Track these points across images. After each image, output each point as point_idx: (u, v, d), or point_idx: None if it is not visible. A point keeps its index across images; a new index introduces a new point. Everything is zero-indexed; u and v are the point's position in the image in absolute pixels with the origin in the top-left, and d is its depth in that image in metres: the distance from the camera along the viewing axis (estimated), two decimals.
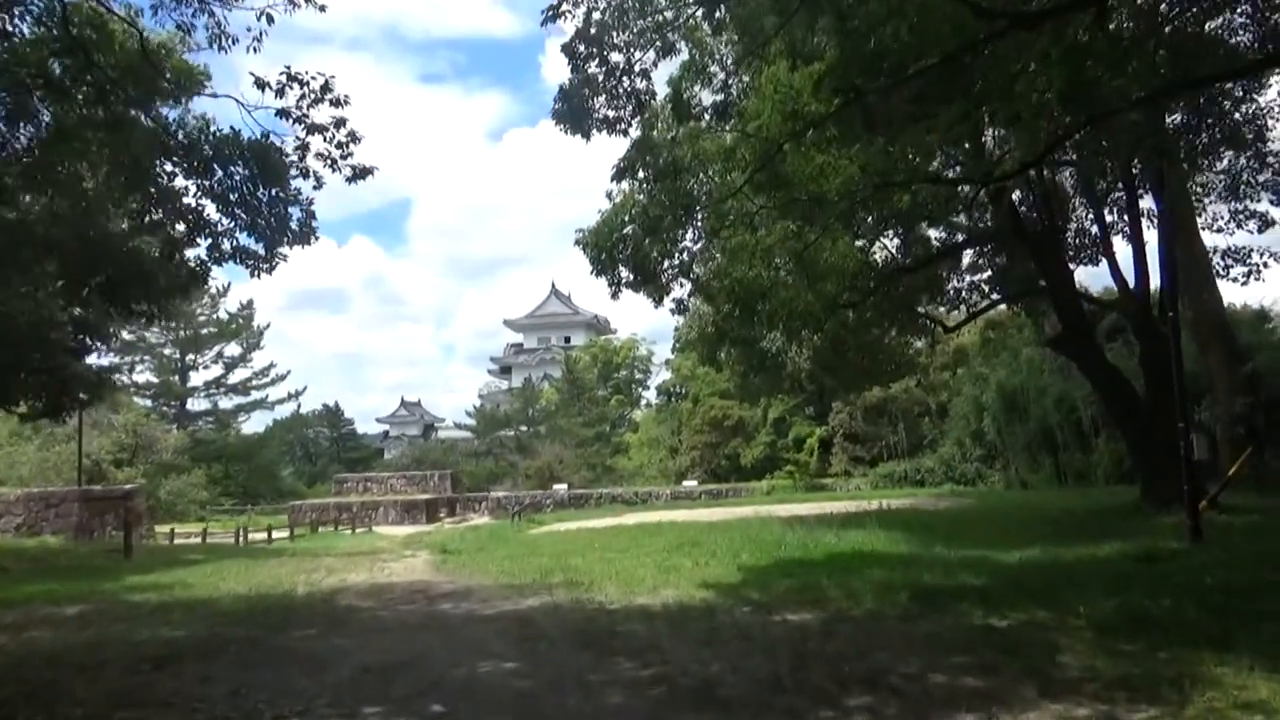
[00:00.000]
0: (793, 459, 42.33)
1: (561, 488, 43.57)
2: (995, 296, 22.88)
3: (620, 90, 10.73)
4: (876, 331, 21.06)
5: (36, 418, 19.63)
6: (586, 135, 11.00)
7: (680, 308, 16.80)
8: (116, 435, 48.24)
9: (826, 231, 14.01)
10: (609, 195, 13.54)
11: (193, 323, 61.96)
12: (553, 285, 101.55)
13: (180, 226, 10.73)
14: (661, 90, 11.63)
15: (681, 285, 14.59)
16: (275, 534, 29.35)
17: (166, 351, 62.28)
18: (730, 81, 11.97)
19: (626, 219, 13.12)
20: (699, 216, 12.94)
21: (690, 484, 43.06)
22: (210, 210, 10.75)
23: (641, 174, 12.03)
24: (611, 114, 10.78)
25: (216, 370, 64.39)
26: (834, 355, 20.02)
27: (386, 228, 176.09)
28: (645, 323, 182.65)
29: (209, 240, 10.76)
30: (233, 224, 10.72)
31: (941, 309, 24.17)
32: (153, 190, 10.34)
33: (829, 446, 45.93)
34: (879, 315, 20.03)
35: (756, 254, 13.68)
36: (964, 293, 23.10)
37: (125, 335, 60.52)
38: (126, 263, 11.15)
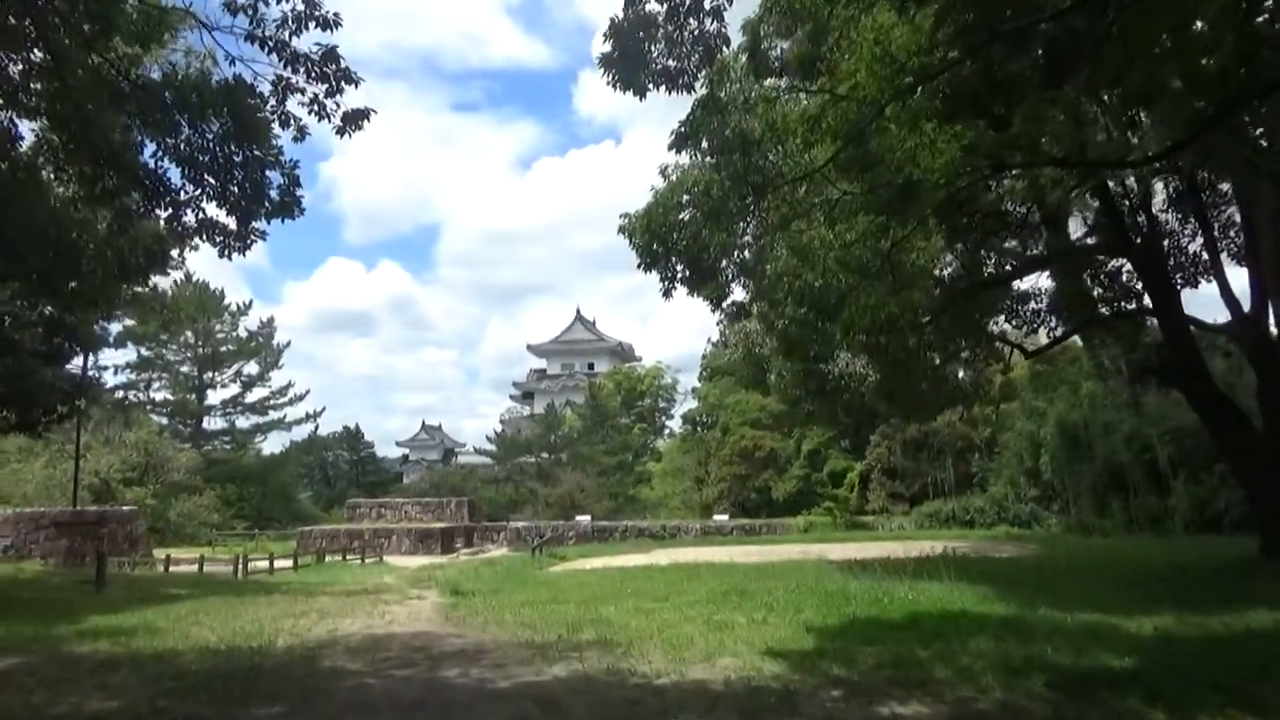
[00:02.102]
0: (830, 494, 39.63)
1: (585, 519, 41.10)
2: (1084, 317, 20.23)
3: (685, 35, 8.43)
4: (946, 352, 18.54)
5: (7, 431, 17.48)
6: (641, 91, 8.70)
7: (740, 312, 14.39)
8: (127, 453, 46.37)
9: (919, 226, 11.63)
10: (663, 171, 11.22)
11: (211, 339, 60.33)
12: (578, 311, 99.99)
13: (134, 195, 8.54)
14: (735, 38, 9.39)
15: (744, 285, 12.14)
16: (279, 563, 27.05)
17: (184, 369, 60.61)
18: (820, 30, 9.67)
19: (684, 200, 10.78)
20: (767, 202, 10.57)
21: (721, 518, 40.46)
22: (173, 176, 8.58)
23: (705, 143, 9.75)
24: (673, 64, 8.47)
25: (234, 389, 62.71)
26: (898, 379, 17.51)
27: (414, 253, 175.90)
28: (670, 350, 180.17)
29: (169, 211, 8.54)
30: (199, 191, 8.49)
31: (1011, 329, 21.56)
32: (101, 148, 8.11)
33: (866, 482, 43.24)
34: (951, 334, 17.54)
35: (834, 250, 11.27)
36: (1042, 313, 20.58)
37: (143, 351, 59.16)
38: (66, 241, 8.92)
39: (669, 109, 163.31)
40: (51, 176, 8.70)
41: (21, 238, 8.58)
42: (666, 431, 78.91)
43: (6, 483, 38.46)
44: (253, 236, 8.82)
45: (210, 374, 61.22)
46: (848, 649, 10.15)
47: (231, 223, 8.60)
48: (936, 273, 12.50)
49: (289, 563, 27.48)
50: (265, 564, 26.51)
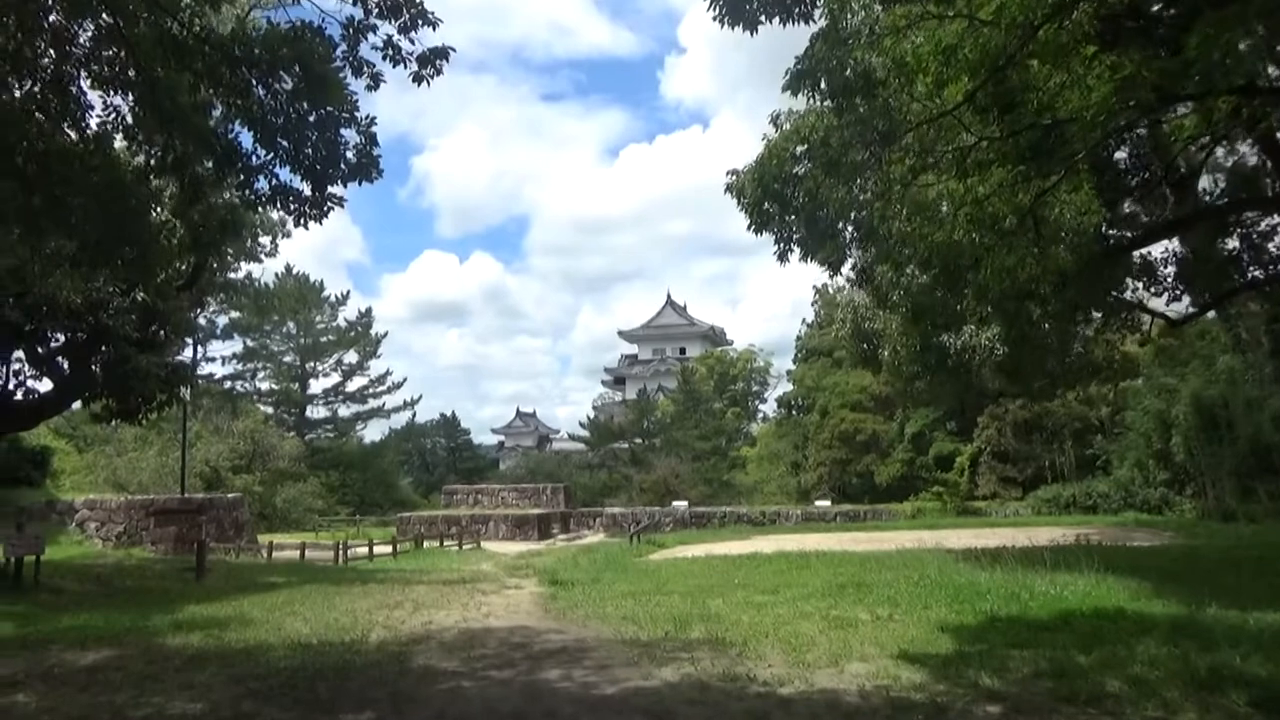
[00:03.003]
0: (937, 479, 37.67)
1: (681, 505, 40.19)
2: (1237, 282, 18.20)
3: None
4: (1077, 322, 16.86)
5: (109, 418, 17.51)
6: (751, 24, 7.59)
7: (862, 278, 13.10)
8: (235, 442, 47.56)
9: (1066, 176, 10.21)
10: (774, 119, 10.00)
11: (311, 330, 61.58)
12: (668, 296, 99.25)
13: (204, 162, 7.92)
14: None
15: (863, 248, 10.84)
16: (379, 549, 26.98)
17: (287, 359, 62.00)
18: None
19: (798, 151, 9.61)
20: (892, 152, 9.32)
21: (823, 504, 38.98)
22: (244, 141, 7.93)
23: (823, 84, 8.55)
24: None
25: (335, 378, 63.90)
26: (1027, 352, 15.96)
27: (505, 243, 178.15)
28: (762, 334, 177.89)
29: (240, 178, 7.87)
30: (271, 155, 7.80)
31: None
32: (169, 113, 7.48)
33: (975, 466, 41.06)
34: (1085, 301, 15.90)
35: (965, 207, 9.95)
36: (1171, 280, 18.59)
37: (249, 342, 60.82)
38: (137, 213, 8.37)
39: (759, 92, 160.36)
40: (122, 147, 8.21)
41: (96, 214, 8.06)
42: (760, 416, 77.56)
43: (123, 471, 39.69)
44: (329, 203, 8.10)
45: (312, 363, 62.51)
46: (994, 654, 8.92)
47: (306, 188, 7.91)
48: (1081, 229, 10.95)
49: (388, 549, 27.37)
50: (365, 550, 26.46)
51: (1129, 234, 17.36)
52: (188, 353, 59.50)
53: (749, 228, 10.81)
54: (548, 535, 37.36)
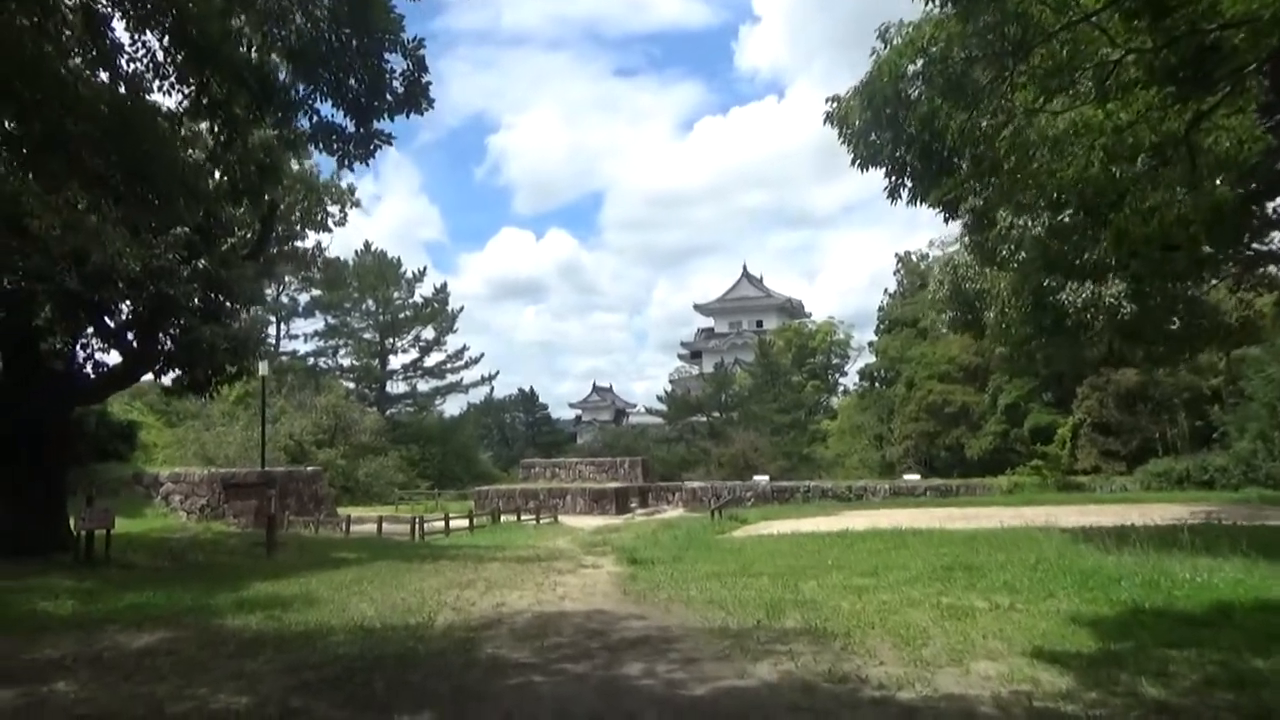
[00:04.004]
0: (1036, 452, 35.59)
1: (762, 479, 39.00)
2: None
3: None
4: (1210, 275, 15.05)
5: (181, 392, 17.20)
6: None
7: (980, 222, 11.64)
8: (318, 416, 48.07)
9: (1229, 97, 8.64)
10: (882, 33, 8.63)
11: (390, 307, 61.97)
12: (744, 269, 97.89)
13: (240, 100, 7.05)
14: None
15: (983, 188, 9.39)
16: (455, 523, 26.55)
17: (366, 335, 62.61)
18: None
19: (911, 70, 8.24)
20: (1020, 71, 7.90)
21: (912, 478, 37.33)
22: (280, 74, 7.01)
23: None
24: None
25: (413, 354, 64.35)
26: (1159, 309, 14.26)
27: (581, 220, 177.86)
28: (841, 306, 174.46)
29: (278, 115, 7.00)
30: (311, 88, 6.89)
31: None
32: (201, 47, 6.62)
33: (1074, 438, 38.79)
34: (1223, 252, 14.11)
35: (1105, 136, 8.47)
36: None
37: (330, 319, 61.55)
38: (175, 159, 7.58)
39: (837, 56, 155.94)
40: (154, 87, 7.47)
41: (137, 165, 7.31)
42: (841, 389, 76.24)
43: (211, 445, 40.35)
44: (376, 141, 7.17)
45: (391, 339, 63.00)
46: (1148, 654, 7.60)
47: (350, 125, 6.99)
48: (1241, 161, 9.34)
49: (465, 523, 26.95)
50: (441, 525, 26.06)
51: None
52: (272, 330, 61.07)
53: (854, 162, 9.46)
54: (625, 509, 36.68)
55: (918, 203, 9.96)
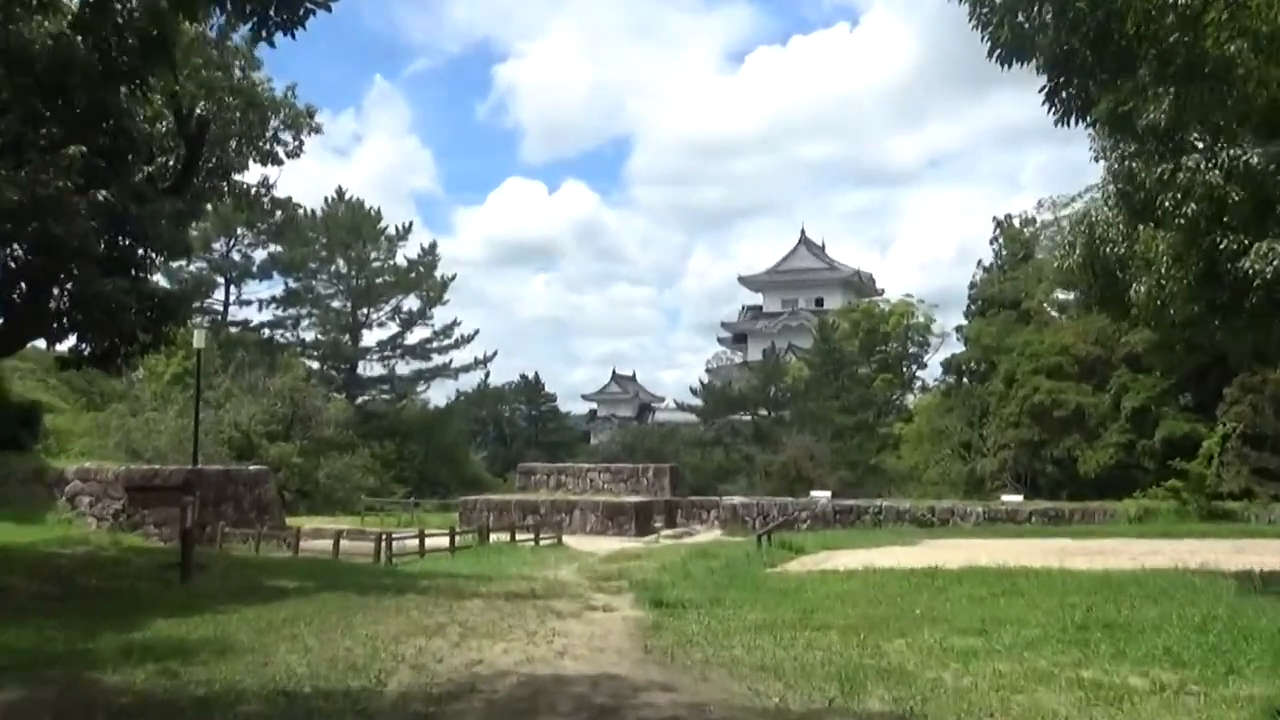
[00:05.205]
0: (1169, 469, 34.03)
1: (822, 495, 37.88)
2: None
3: None
4: None
5: (80, 365, 16.28)
6: None
7: (1162, 146, 10.09)
8: (271, 402, 47.49)
9: None
10: None
11: (366, 269, 61.25)
12: (802, 234, 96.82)
13: None
14: None
15: (1164, 93, 8.02)
16: (433, 541, 25.68)
17: (335, 304, 62.17)
18: None
19: None
20: None
21: (1012, 499, 36.10)
22: None
23: None
24: None
25: (392, 328, 63.95)
26: None
27: (604, 170, 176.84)
28: (921, 283, 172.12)
29: None
30: None
31: None
32: None
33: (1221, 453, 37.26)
34: None
35: None
36: None
37: (291, 283, 61.08)
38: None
39: None
40: None
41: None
42: (919, 384, 75.49)
43: (138, 435, 39.79)
44: (304, 4, 5.95)
45: (365, 310, 62.59)
46: None
47: None
48: None
49: (446, 541, 26.07)
50: (415, 543, 25.20)
51: None
52: (219, 294, 60.67)
53: (992, 53, 8.11)
54: (648, 530, 35.84)
55: (1073, 120, 8.59)
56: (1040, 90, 8.46)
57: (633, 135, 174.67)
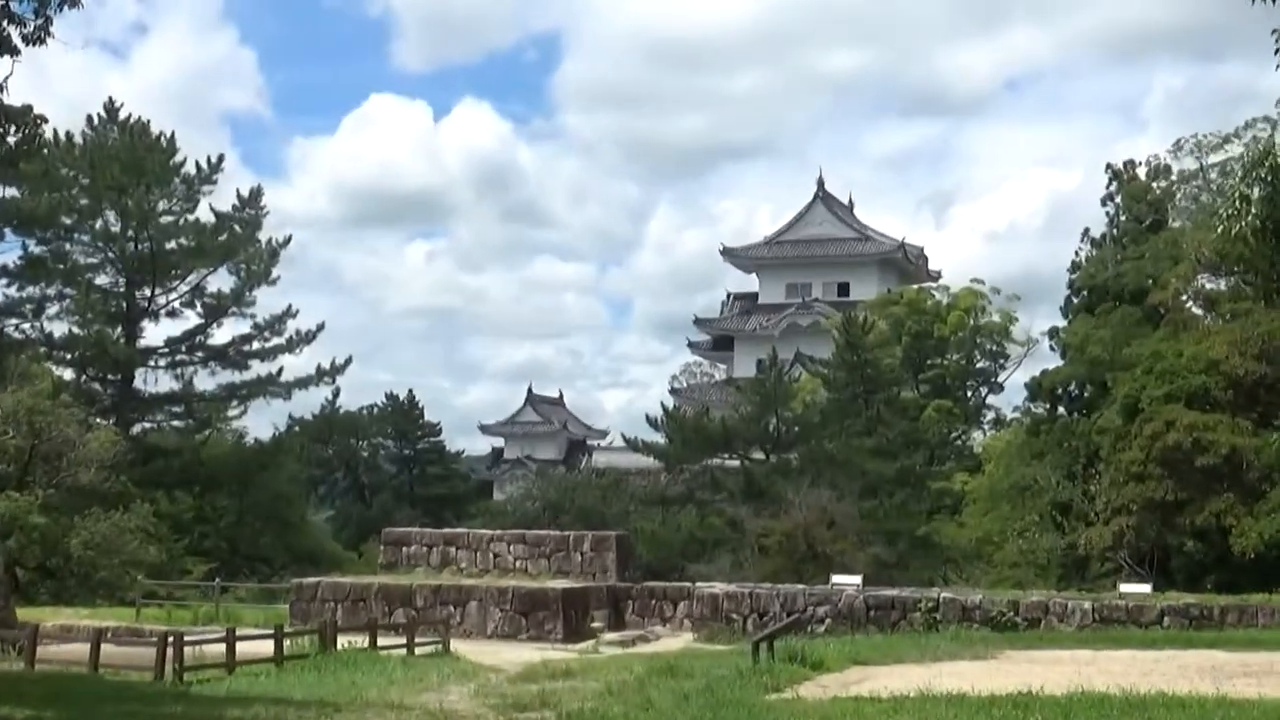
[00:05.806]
0: None
1: (850, 582, 38.10)
2: None
3: None
4: None
5: None
6: None
7: None
8: None
9: None
10: None
11: (150, 224, 60.60)
12: (819, 186, 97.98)
13: None
14: None
15: None
16: (250, 646, 25.76)
17: (102, 279, 61.56)
18: None
19: None
20: None
21: (1136, 589, 36.36)
22: None
23: None
24: None
25: (189, 318, 63.38)
26: None
27: (518, 86, 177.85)
28: (996, 262, 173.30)
29: None
30: None
31: None
32: None
33: None
34: None
35: None
36: None
37: (33, 247, 60.35)
38: None
39: None
40: None
41: None
42: (990, 417, 76.49)
43: None
44: None
45: (148, 290, 62.00)
46: None
47: None
48: None
49: (270, 648, 25.90)
50: (222, 649, 25.43)
51: None
52: None
53: None
54: (583, 632, 36.22)
55: None
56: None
57: (562, 32, 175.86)
